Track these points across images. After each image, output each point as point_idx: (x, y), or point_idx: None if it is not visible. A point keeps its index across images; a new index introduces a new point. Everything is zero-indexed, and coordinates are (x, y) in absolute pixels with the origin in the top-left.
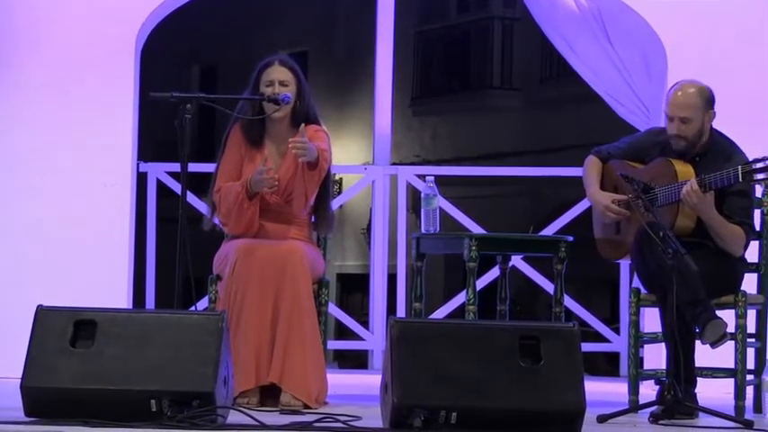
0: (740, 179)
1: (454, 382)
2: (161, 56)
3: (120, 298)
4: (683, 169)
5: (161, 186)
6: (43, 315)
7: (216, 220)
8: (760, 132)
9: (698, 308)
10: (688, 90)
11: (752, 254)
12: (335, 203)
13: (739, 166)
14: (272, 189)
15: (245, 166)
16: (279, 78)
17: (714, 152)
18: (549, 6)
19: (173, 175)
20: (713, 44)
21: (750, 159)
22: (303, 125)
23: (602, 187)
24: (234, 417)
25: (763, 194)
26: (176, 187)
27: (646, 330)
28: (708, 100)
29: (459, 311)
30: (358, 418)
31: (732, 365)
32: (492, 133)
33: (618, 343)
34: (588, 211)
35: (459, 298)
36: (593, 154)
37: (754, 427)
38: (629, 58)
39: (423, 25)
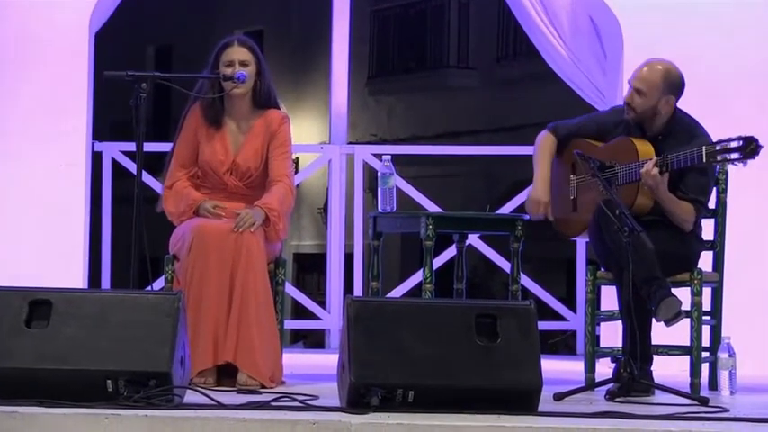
0: (704, 160)
1: (411, 361)
2: (116, 36)
3: (76, 278)
4: (644, 148)
5: (116, 166)
6: None
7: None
8: (719, 112)
9: (653, 285)
10: (655, 66)
11: (708, 232)
12: None
13: (703, 147)
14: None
15: (201, 147)
16: (239, 58)
17: (676, 132)
18: None
19: (128, 154)
20: (671, 26)
21: (713, 139)
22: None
23: (563, 163)
24: (190, 396)
25: (717, 173)
26: (132, 167)
27: (603, 308)
28: (671, 85)
29: (417, 290)
30: (315, 397)
31: (688, 343)
32: (448, 112)
33: (575, 321)
34: None
35: (416, 277)
36: (549, 131)
37: (710, 404)
38: (581, 46)
39: (379, 4)
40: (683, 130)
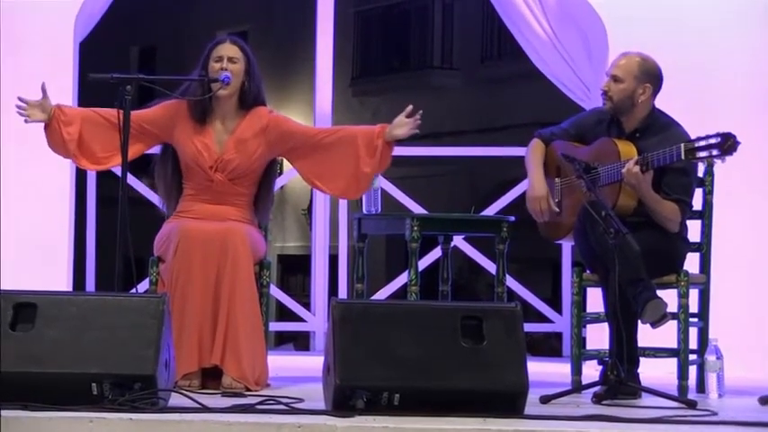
0: (682, 157)
1: (397, 363)
2: (100, 37)
3: (61, 280)
4: (626, 149)
5: None
6: None
7: None
8: (701, 110)
9: (638, 287)
10: (631, 56)
11: (694, 233)
12: (276, 184)
13: (681, 144)
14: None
15: (185, 143)
16: (228, 54)
17: (654, 127)
18: None
19: None
20: (655, 24)
21: (690, 135)
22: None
23: (546, 169)
24: (175, 399)
25: (705, 173)
26: (116, 168)
27: (589, 310)
28: (647, 73)
29: (402, 292)
30: (300, 400)
31: (675, 345)
32: (433, 113)
33: (561, 323)
34: None
35: (402, 279)
36: (537, 137)
37: (697, 407)
38: (569, 41)
39: (363, 5)
40: (660, 126)
